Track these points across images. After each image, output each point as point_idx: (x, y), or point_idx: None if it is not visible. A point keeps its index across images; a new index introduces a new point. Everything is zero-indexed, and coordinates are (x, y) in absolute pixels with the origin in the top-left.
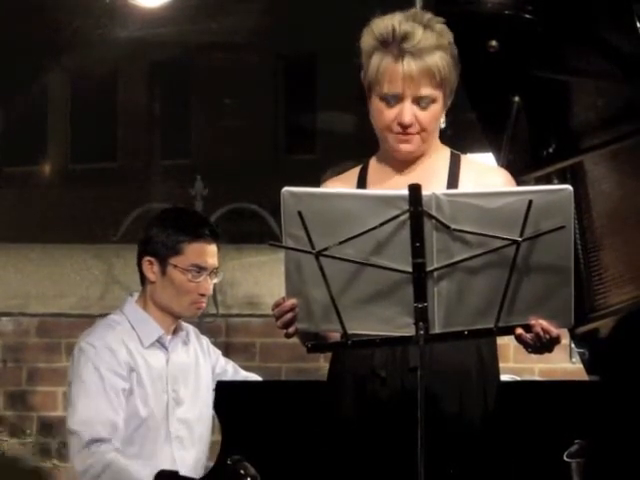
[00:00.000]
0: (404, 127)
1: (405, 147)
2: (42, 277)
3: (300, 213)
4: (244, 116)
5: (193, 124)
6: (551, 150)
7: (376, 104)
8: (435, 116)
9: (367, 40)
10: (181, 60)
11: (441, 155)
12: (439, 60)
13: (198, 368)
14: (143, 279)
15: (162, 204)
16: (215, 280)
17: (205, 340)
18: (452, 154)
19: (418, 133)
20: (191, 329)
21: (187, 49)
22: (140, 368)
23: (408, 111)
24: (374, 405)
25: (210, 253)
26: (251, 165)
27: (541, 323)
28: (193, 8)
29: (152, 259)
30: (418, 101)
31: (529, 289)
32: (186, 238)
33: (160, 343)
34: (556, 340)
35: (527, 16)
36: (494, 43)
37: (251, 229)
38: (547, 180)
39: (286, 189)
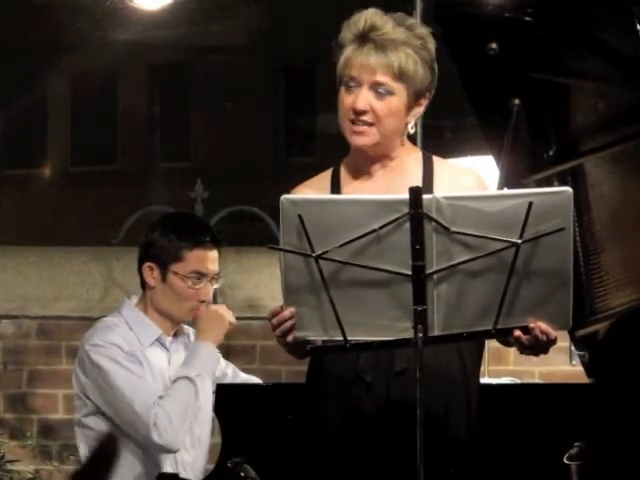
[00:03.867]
0: (357, 113)
1: (359, 140)
2: (42, 280)
3: (300, 216)
4: (244, 119)
5: (193, 127)
6: (551, 152)
7: (340, 94)
8: (392, 109)
9: (345, 35)
10: (181, 63)
11: (414, 157)
12: (402, 55)
13: None
14: (143, 283)
15: (162, 207)
16: (215, 286)
17: None
18: (424, 155)
19: (373, 124)
20: (192, 332)
21: (187, 52)
22: (143, 366)
23: (362, 97)
24: (359, 410)
25: (211, 259)
26: (251, 168)
27: (539, 325)
28: (193, 11)
29: (152, 265)
30: (375, 89)
31: (528, 291)
32: (187, 245)
33: (160, 343)
34: (553, 342)
35: (527, 18)
36: (494, 45)
37: (251, 232)
38: (547, 182)
39: (285, 197)
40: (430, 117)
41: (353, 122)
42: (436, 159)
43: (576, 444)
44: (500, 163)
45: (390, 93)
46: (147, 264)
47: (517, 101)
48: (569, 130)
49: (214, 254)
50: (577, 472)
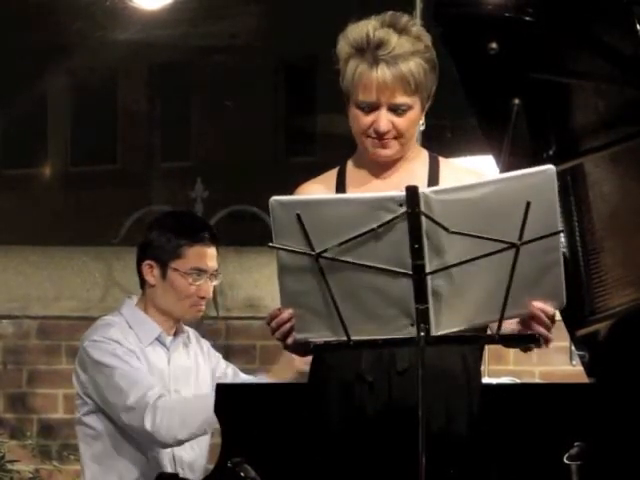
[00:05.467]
0: (380, 134)
1: (384, 152)
2: (42, 279)
3: (299, 215)
4: (244, 118)
5: (193, 126)
6: (551, 152)
7: (353, 111)
8: (412, 121)
9: (343, 47)
10: (181, 62)
11: (420, 157)
12: (414, 67)
13: (198, 370)
14: (143, 283)
15: (162, 206)
16: (215, 282)
17: (205, 343)
18: (430, 156)
19: (395, 138)
20: (192, 332)
21: (187, 51)
22: (141, 362)
23: (383, 119)
24: (361, 410)
25: (210, 256)
26: (251, 167)
27: (535, 305)
28: (193, 10)
29: (152, 263)
30: (394, 109)
31: (522, 278)
32: (186, 241)
33: (160, 342)
34: (553, 318)
35: (527, 18)
36: (494, 45)
37: (251, 231)
38: None
39: (274, 199)
40: (430, 117)
41: (374, 138)
42: (442, 160)
43: (576, 444)
44: (500, 163)
45: (409, 108)
46: (147, 262)
47: (517, 101)
48: (569, 130)
49: (212, 251)
50: (577, 472)
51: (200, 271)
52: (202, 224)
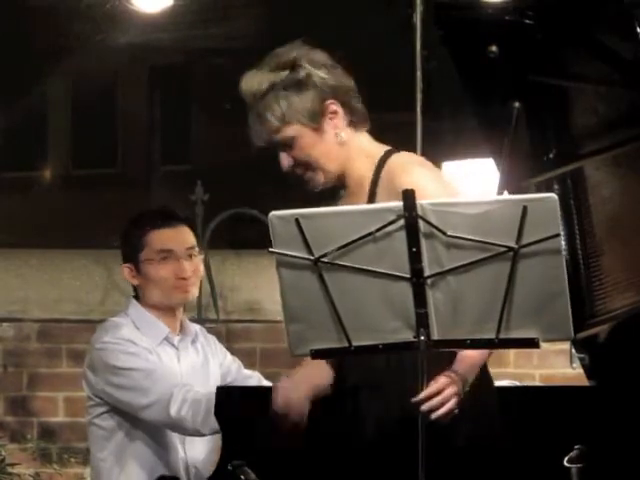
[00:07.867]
0: (293, 172)
1: (312, 187)
2: (42, 282)
3: (297, 220)
4: (244, 121)
5: (193, 129)
6: (551, 155)
7: None
8: (304, 148)
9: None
10: (181, 65)
11: (368, 167)
12: (267, 106)
13: (207, 366)
14: (135, 288)
15: None
16: (195, 260)
17: (212, 338)
18: (380, 161)
19: (309, 170)
20: (198, 328)
21: (187, 54)
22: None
23: (281, 159)
24: (342, 422)
25: (173, 237)
26: (251, 170)
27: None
28: (193, 13)
29: (128, 265)
30: (283, 147)
31: (523, 300)
32: (143, 231)
33: (169, 342)
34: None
35: (527, 21)
36: (494, 48)
37: (251, 234)
38: (547, 186)
39: (273, 214)
40: (430, 119)
41: (299, 177)
42: (390, 161)
43: (576, 447)
44: (500, 166)
45: (292, 139)
46: (125, 266)
47: (517, 104)
48: (569, 133)
49: (177, 231)
50: (577, 475)
51: (167, 252)
52: (158, 211)
